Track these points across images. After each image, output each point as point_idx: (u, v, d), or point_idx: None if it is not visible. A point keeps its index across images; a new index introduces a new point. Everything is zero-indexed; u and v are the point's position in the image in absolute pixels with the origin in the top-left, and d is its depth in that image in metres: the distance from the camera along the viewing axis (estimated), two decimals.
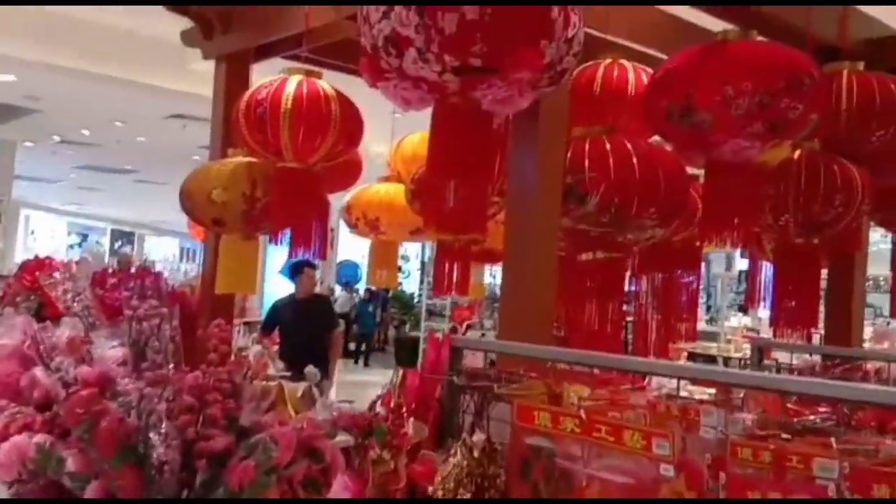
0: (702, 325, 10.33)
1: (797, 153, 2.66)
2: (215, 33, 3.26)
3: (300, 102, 2.57)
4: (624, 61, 2.84)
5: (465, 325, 13.89)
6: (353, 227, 3.96)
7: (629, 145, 2.19)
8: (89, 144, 10.57)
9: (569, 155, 2.17)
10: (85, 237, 24.11)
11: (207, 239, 3.30)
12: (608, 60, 2.84)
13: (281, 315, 5.55)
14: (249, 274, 2.99)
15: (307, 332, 5.28)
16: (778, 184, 2.61)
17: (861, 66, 2.85)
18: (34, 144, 10.47)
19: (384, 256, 4.03)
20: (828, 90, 2.74)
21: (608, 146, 2.18)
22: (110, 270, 3.99)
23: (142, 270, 3.59)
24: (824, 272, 3.26)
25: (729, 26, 2.51)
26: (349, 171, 3.74)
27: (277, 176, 2.73)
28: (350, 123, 2.67)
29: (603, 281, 2.33)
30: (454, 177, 1.83)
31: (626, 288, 3.27)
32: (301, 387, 4.70)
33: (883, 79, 2.74)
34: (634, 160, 2.15)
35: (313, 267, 5.52)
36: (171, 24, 3.79)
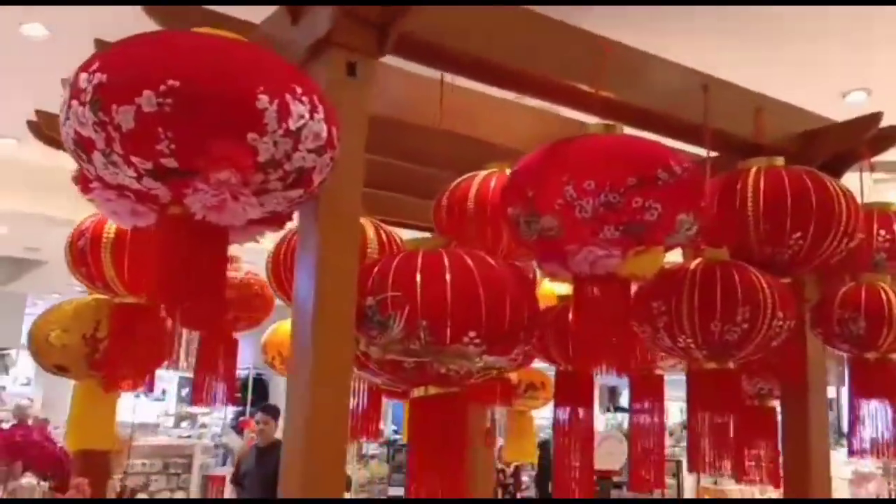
0: None
1: (694, 264, 2.27)
2: None
3: (124, 231, 2.32)
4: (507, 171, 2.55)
5: None
6: (271, 366, 3.65)
7: (446, 259, 1.84)
8: None
9: (375, 272, 1.84)
10: None
11: None
12: (485, 172, 2.55)
13: (242, 465, 5.20)
14: (105, 426, 2.66)
15: (261, 484, 4.89)
16: (669, 299, 2.21)
17: (780, 161, 2.48)
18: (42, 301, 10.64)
19: None
20: (728, 189, 2.39)
21: (419, 261, 1.84)
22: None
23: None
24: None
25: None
26: (260, 307, 3.46)
27: (112, 314, 2.47)
28: None
29: (441, 421, 1.94)
30: (181, 302, 1.52)
31: None
32: None
33: (796, 174, 2.36)
34: (448, 276, 1.80)
35: (270, 412, 5.17)
36: None
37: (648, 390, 3.38)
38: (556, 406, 2.80)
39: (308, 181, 1.55)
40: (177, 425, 13.11)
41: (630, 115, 2.40)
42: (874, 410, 2.44)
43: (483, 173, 2.55)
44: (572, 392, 2.78)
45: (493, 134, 2.86)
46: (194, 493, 8.37)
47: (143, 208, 1.52)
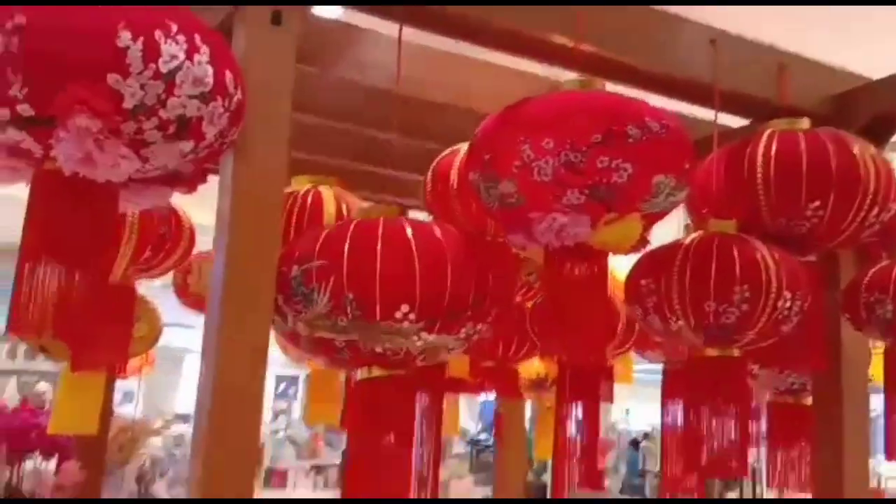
0: None
1: (691, 237, 2.01)
2: None
3: None
4: None
5: None
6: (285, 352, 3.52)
7: (381, 228, 1.66)
8: None
9: (302, 241, 1.68)
10: None
11: None
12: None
13: None
14: (85, 411, 2.58)
15: None
16: (659, 276, 1.96)
17: (804, 123, 2.18)
18: None
19: (323, 388, 3.53)
20: (738, 155, 2.11)
21: (351, 229, 1.66)
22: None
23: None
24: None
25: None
26: None
27: None
28: None
29: (386, 405, 1.75)
30: (58, 263, 1.39)
31: None
32: None
33: (814, 136, 2.06)
34: (379, 245, 1.62)
35: None
36: None
37: (680, 385, 3.10)
38: (557, 402, 2.58)
39: (197, 133, 1.39)
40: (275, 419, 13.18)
41: (624, 75, 2.16)
42: None
43: (467, 145, 2.35)
44: (575, 384, 2.54)
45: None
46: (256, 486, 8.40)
47: (21, 164, 1.40)
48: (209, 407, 1.52)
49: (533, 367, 3.71)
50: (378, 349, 1.66)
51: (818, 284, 2.15)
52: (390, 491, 1.70)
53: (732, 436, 1.98)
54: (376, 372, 1.75)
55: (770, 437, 2.59)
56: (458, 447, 15.01)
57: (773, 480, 2.62)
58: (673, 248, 1.99)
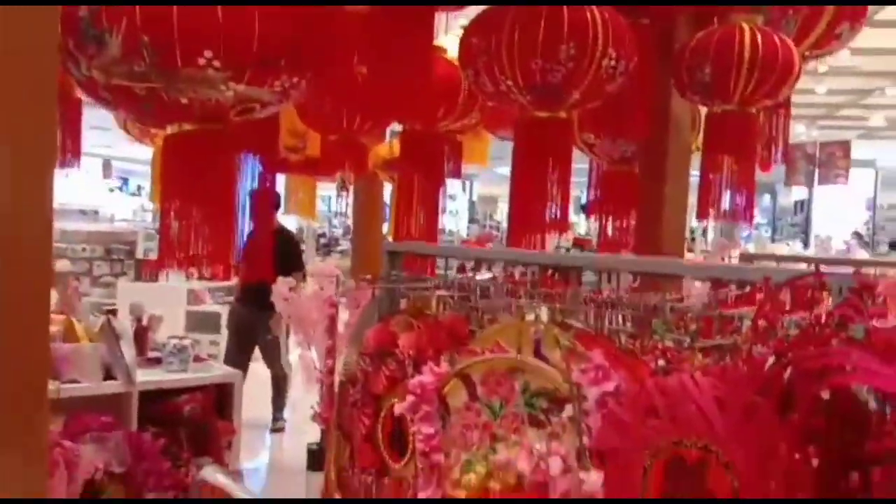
0: None
1: None
2: None
3: None
4: None
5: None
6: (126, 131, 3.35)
7: None
8: None
9: None
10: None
11: None
12: None
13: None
14: None
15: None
16: (489, 36, 1.91)
17: None
18: None
19: None
20: None
21: None
22: None
23: None
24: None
25: None
26: None
27: None
28: None
29: (199, 163, 1.69)
30: None
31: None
32: (101, 321, 4.08)
33: None
34: None
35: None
36: None
37: None
38: (399, 174, 2.58)
39: None
40: (155, 219, 12.94)
41: None
42: (724, 168, 2.22)
43: None
44: (417, 155, 2.54)
45: None
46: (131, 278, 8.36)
47: None
48: None
49: (386, 147, 3.69)
50: (184, 100, 1.57)
51: (651, 50, 2.17)
52: (205, 250, 1.68)
53: (557, 193, 2.04)
54: (186, 127, 1.67)
55: (603, 202, 2.71)
56: (344, 242, 15.16)
57: (602, 244, 2.78)
58: (504, 6, 1.92)
